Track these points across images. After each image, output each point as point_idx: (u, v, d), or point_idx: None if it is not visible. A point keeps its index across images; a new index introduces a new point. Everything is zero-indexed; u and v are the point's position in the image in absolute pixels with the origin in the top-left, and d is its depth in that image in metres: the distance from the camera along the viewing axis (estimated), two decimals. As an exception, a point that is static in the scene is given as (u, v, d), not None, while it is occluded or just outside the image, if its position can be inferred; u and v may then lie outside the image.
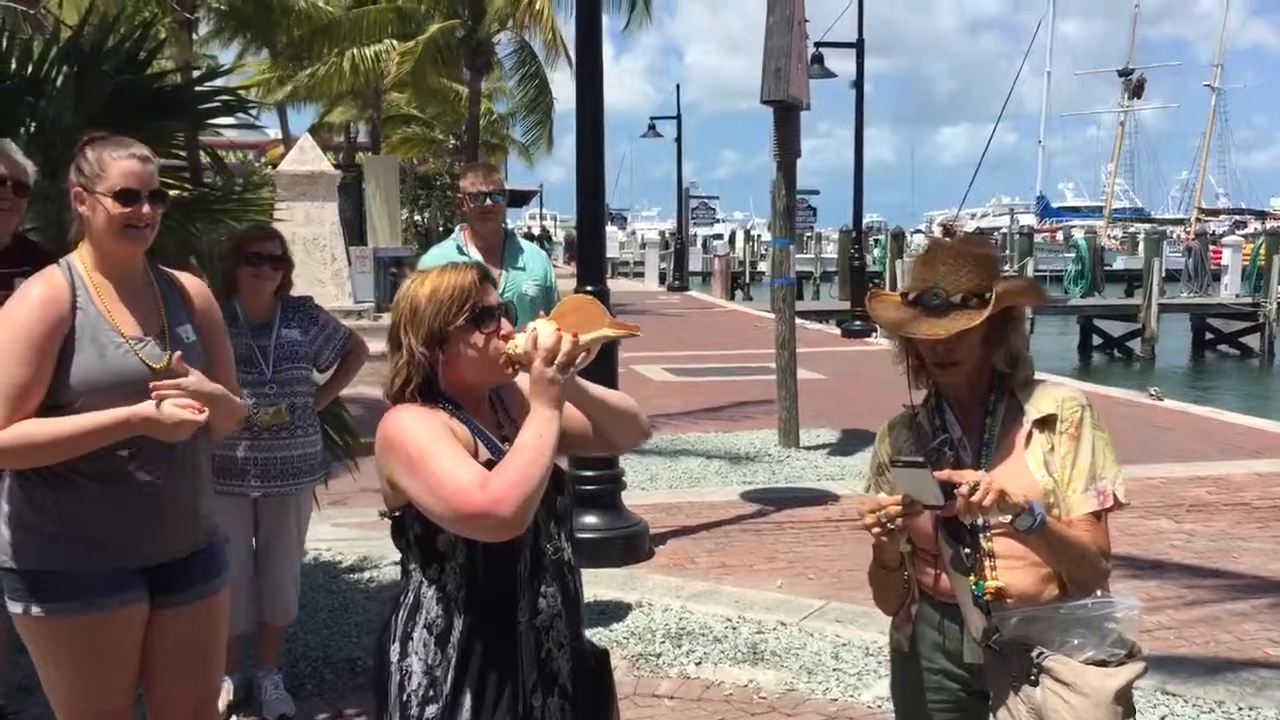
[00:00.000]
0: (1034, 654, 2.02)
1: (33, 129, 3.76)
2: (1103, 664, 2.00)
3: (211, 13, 19.68)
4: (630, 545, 5.67)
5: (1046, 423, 2.11)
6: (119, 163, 2.41)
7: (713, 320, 21.93)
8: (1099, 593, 2.07)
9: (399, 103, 28.79)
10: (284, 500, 3.81)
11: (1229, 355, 26.58)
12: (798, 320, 9.67)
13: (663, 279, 35.86)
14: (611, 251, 34.03)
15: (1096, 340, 26.42)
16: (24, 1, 5.88)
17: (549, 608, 1.99)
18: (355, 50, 20.94)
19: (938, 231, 2.35)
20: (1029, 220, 60.50)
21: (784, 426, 8.71)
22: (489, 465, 1.88)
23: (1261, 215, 61.25)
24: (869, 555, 2.21)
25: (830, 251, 38.99)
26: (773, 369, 9.16)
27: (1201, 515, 6.54)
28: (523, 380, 1.97)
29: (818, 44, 17.59)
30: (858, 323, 18.37)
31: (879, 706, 3.85)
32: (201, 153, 6.39)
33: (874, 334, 17.45)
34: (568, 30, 20.79)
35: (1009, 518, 1.95)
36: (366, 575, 5.42)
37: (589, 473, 5.57)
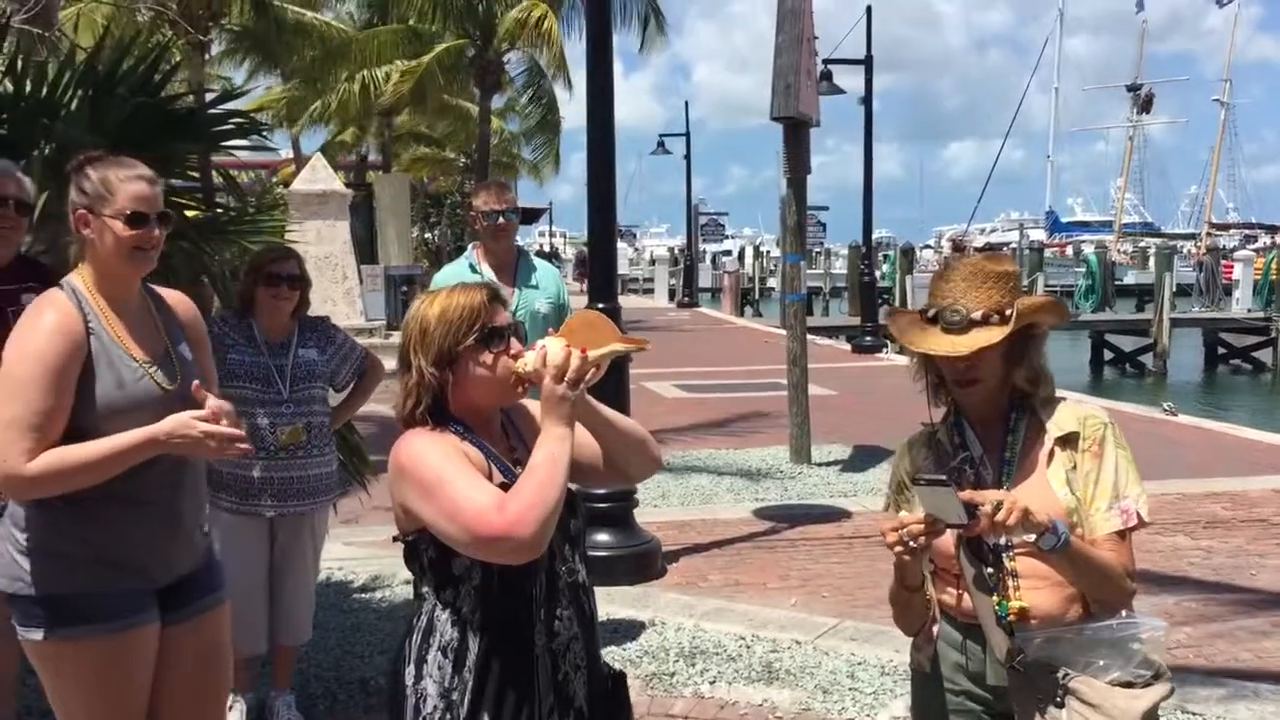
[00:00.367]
0: (1059, 675, 1.99)
1: (47, 151, 3.77)
2: (1128, 685, 1.98)
3: (224, 34, 19.81)
4: (642, 563, 5.64)
5: (1068, 440, 2.08)
6: (128, 185, 2.37)
7: (723, 336, 21.91)
8: (1124, 613, 2.04)
9: (408, 124, 28.96)
10: (300, 520, 3.80)
11: (1241, 370, 26.48)
12: (808, 336, 9.65)
13: (672, 295, 35.92)
14: (621, 268, 34.00)
15: (1108, 355, 26.36)
16: (40, 24, 5.93)
17: (565, 630, 1.97)
18: (366, 71, 21.08)
19: (948, 247, 2.34)
20: (1039, 235, 60.46)
21: (795, 443, 8.67)
22: (503, 488, 1.86)
23: (1272, 230, 61.17)
24: (883, 573, 2.19)
25: (840, 267, 39.03)
26: (783, 384, 9.14)
27: (1218, 531, 6.49)
28: (532, 403, 1.96)
29: (826, 61, 17.65)
30: (868, 338, 18.36)
31: (896, 726, 3.82)
32: (214, 173, 6.42)
33: (884, 349, 17.44)
34: (571, 50, 20.95)
35: (1032, 537, 1.93)
36: (379, 595, 5.40)
37: (601, 490, 5.56)
